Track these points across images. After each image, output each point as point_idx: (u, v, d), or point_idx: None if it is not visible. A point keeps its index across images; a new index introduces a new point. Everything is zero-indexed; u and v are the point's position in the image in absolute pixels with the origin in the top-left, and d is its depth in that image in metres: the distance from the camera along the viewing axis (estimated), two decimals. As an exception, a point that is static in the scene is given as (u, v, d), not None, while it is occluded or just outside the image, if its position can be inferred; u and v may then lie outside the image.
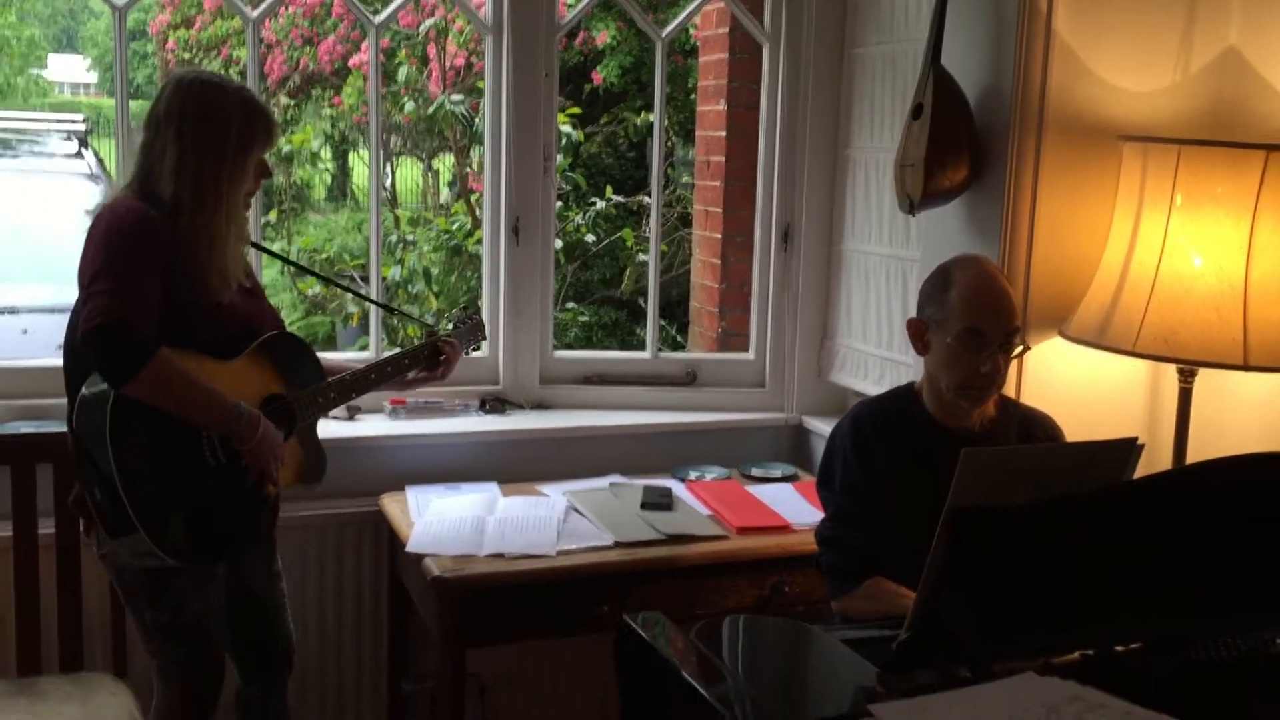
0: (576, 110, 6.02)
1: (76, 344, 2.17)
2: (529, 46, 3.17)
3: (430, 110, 6.10)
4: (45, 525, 2.62)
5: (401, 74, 6.51)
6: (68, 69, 22.06)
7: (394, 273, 5.71)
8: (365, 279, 6.27)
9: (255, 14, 3.09)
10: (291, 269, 6.43)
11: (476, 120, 5.79)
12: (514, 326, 3.28)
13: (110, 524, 2.22)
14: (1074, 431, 2.38)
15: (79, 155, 6.62)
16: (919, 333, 2.29)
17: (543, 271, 3.29)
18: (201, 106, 2.27)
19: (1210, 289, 2.28)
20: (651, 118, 4.70)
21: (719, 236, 4.15)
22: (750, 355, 3.53)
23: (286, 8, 7.36)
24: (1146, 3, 2.56)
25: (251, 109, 2.33)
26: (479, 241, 4.03)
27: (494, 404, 3.28)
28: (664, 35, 3.38)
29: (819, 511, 2.46)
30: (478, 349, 2.97)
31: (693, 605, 2.66)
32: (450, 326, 2.83)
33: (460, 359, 2.78)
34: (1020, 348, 2.28)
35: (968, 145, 2.58)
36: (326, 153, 9.51)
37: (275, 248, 7.05)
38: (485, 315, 3.33)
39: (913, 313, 2.35)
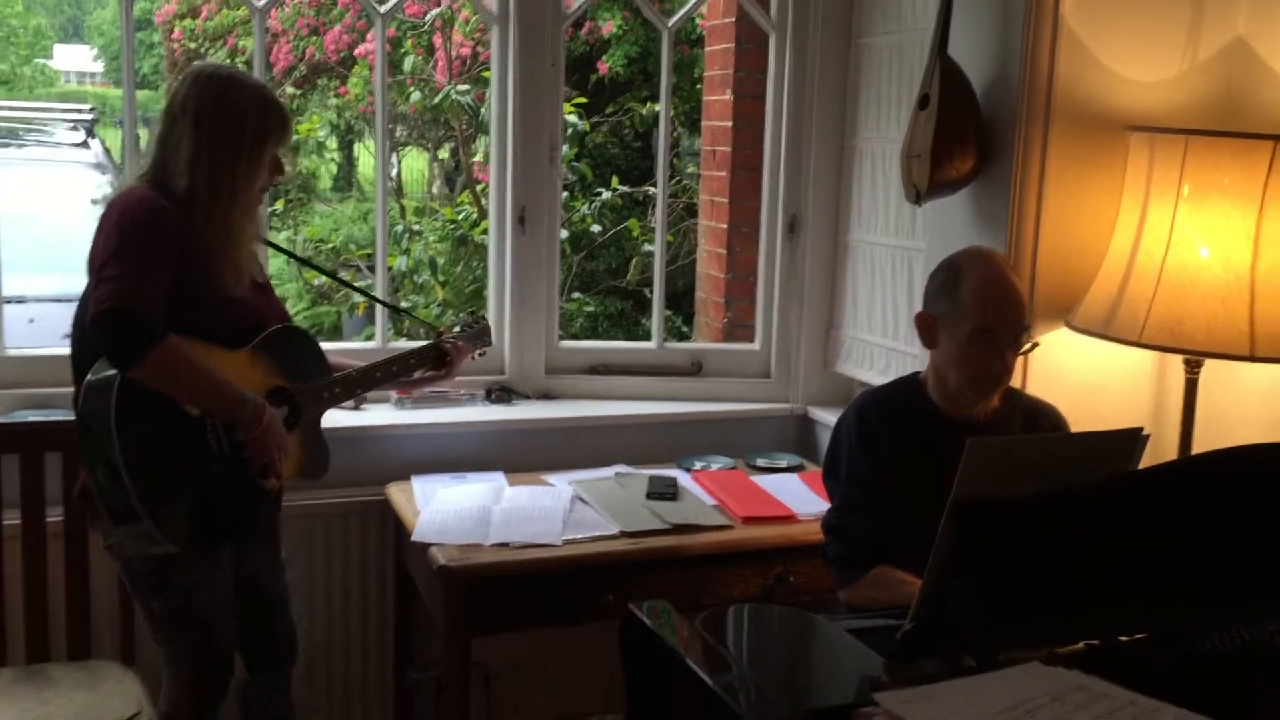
0: (582, 100, 6.01)
1: (85, 328, 2.19)
2: (535, 36, 3.17)
3: (436, 100, 6.09)
4: (53, 513, 2.63)
5: (407, 64, 6.50)
6: (74, 58, 22.08)
7: (400, 262, 5.71)
8: (371, 269, 6.27)
9: (261, 3, 3.09)
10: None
11: (482, 110, 5.78)
12: (520, 316, 3.29)
13: (113, 509, 2.23)
14: (1080, 422, 2.38)
15: (85, 145, 6.63)
16: (928, 327, 2.29)
17: (548, 261, 3.29)
18: (218, 101, 2.29)
19: (1217, 280, 2.27)
20: (657, 108, 4.70)
21: (725, 227, 4.14)
22: (756, 345, 3.53)
23: (292, -3, 7.37)
24: (1154, -8, 2.55)
25: (268, 105, 2.34)
26: (485, 231, 4.03)
27: (500, 394, 3.28)
28: (670, 25, 3.38)
29: (824, 502, 2.47)
30: (483, 354, 2.98)
31: (698, 595, 2.67)
32: (457, 330, 2.84)
33: (465, 361, 2.79)
34: (1030, 344, 2.27)
35: (974, 135, 2.58)
36: (332, 143, 9.51)
37: (281, 237, 7.07)
38: (491, 305, 3.34)
39: (919, 303, 2.35)
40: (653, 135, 6.87)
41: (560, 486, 2.95)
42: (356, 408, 3.13)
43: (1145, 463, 1.78)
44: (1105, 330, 2.39)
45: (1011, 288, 2.22)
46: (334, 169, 11.10)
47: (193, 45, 8.29)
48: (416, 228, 6.34)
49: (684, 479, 3.05)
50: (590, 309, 6.23)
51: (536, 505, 2.80)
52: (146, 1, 9.60)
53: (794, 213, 3.40)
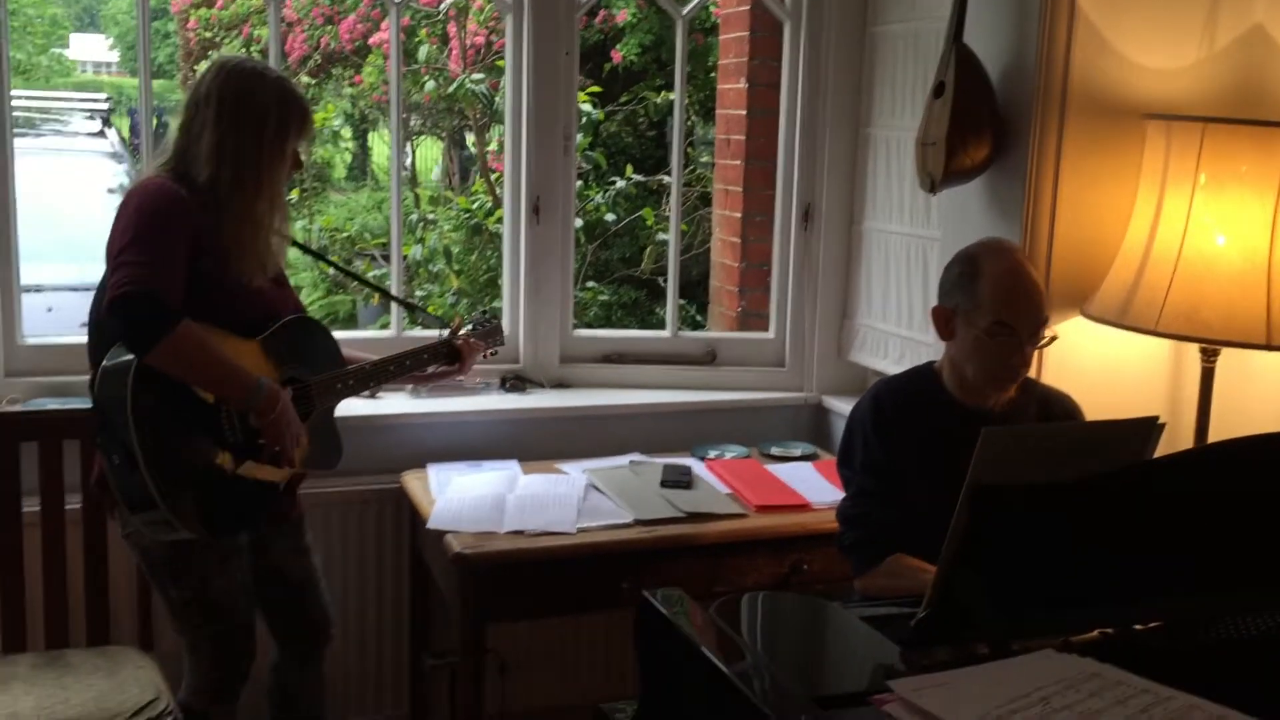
0: (597, 89, 6.01)
1: (102, 313, 2.20)
2: (549, 25, 3.17)
3: (451, 89, 6.09)
4: (72, 501, 2.65)
5: (422, 53, 6.51)
6: (90, 48, 22.11)
7: (415, 251, 5.73)
8: (386, 258, 6.28)
9: (277, -7, 3.10)
10: (315, 246, 6.45)
11: (497, 99, 5.78)
12: (534, 305, 3.29)
13: (130, 496, 2.24)
14: (1095, 411, 2.37)
15: (101, 134, 6.66)
16: (945, 320, 2.28)
17: (563, 250, 3.30)
18: (241, 93, 2.31)
19: (1234, 268, 2.26)
20: (672, 96, 4.68)
21: (739, 215, 4.14)
22: (770, 334, 3.53)
23: (307, -14, 7.37)
24: (1172, -21, 2.54)
25: (290, 98, 2.37)
26: (499, 220, 4.04)
27: (514, 382, 3.29)
28: (684, 13, 3.37)
29: (838, 490, 2.47)
30: (495, 353, 2.99)
31: (712, 583, 2.68)
32: (470, 327, 2.85)
33: (477, 358, 2.81)
34: (1049, 338, 2.26)
35: (990, 123, 2.57)
36: (347, 132, 9.52)
37: (297, 227, 7.07)
38: (505, 294, 3.35)
39: (933, 292, 2.34)
40: (667, 124, 6.86)
41: (575, 475, 2.96)
42: (372, 397, 3.15)
43: (1161, 452, 1.78)
44: (1121, 319, 2.38)
45: (1031, 281, 2.21)
46: (349, 158, 11.12)
47: (208, 35, 8.30)
48: (431, 217, 6.35)
49: (698, 468, 3.06)
50: (604, 298, 6.23)
51: (551, 493, 2.80)
52: (162, -9, 9.62)
53: (809, 201, 3.40)
